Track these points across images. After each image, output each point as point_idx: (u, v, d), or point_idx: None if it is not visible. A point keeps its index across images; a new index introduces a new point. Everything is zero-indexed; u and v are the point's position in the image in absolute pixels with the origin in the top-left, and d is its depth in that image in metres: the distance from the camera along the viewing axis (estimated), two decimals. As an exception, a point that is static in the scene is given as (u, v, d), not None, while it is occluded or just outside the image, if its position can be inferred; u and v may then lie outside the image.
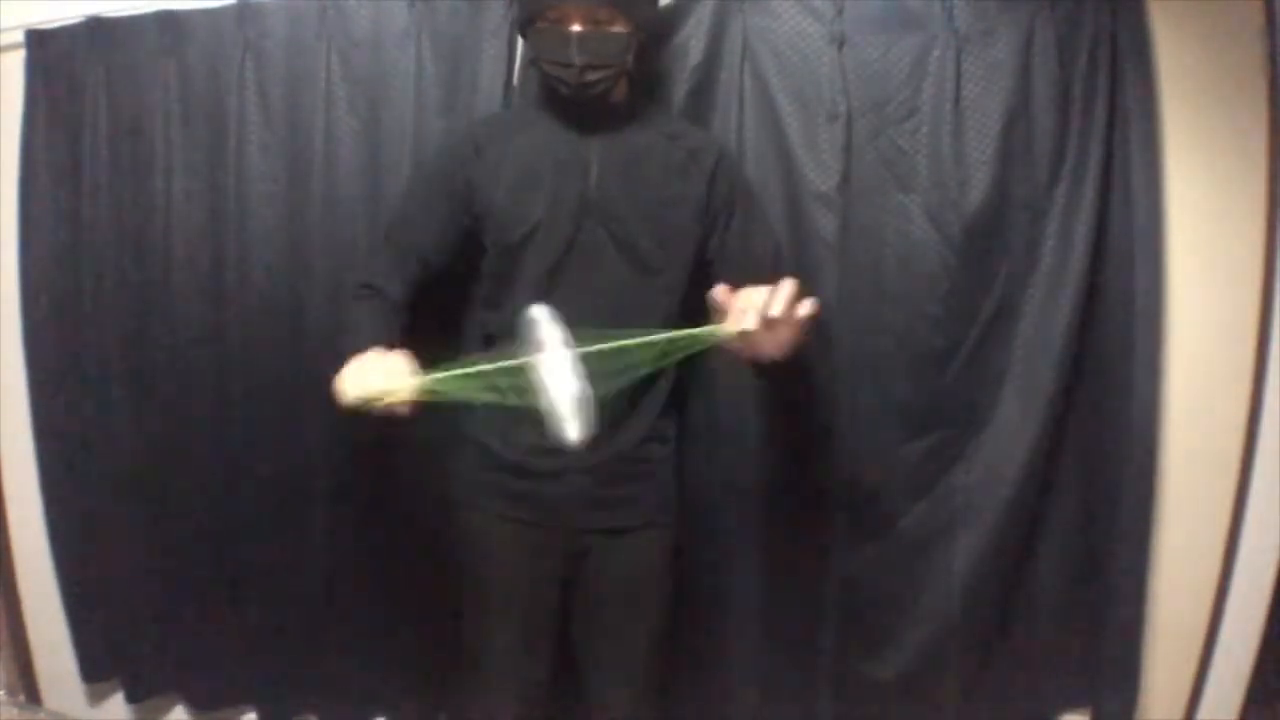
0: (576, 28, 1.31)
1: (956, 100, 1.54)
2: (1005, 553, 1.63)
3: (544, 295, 1.37)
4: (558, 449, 1.35)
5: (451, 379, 1.18)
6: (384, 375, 1.20)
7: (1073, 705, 1.72)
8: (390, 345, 1.26)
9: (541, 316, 1.17)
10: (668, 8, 1.60)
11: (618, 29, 1.33)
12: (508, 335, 1.38)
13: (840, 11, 1.55)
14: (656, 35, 1.51)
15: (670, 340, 1.17)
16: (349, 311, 1.45)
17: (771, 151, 1.60)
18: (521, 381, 1.15)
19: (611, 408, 1.34)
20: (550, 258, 1.36)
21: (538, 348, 1.15)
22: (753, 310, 1.14)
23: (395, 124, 1.67)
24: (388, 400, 1.19)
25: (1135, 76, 1.53)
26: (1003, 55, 1.54)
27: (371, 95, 1.68)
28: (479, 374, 1.17)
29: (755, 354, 1.19)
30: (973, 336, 1.59)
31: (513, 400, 1.15)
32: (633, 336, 1.24)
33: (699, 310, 1.42)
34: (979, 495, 1.61)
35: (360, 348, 1.26)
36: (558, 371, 1.13)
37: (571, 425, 1.13)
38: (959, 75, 1.54)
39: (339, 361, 1.27)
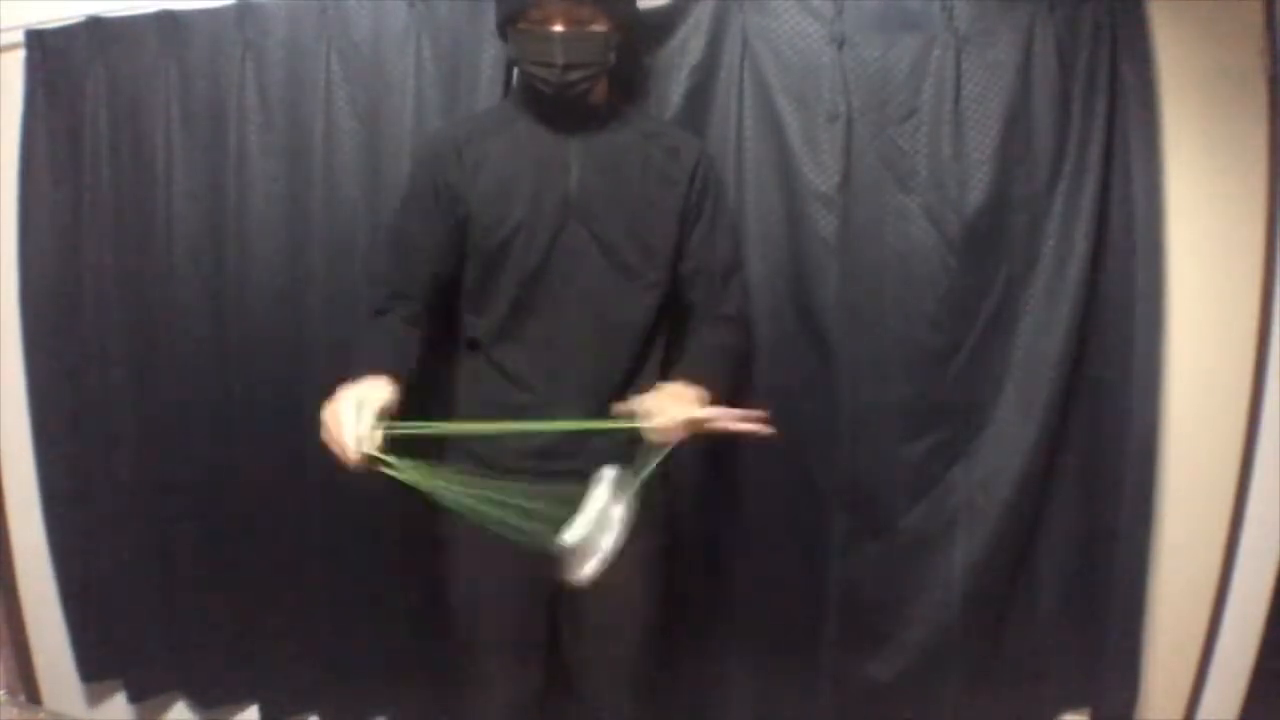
0: (558, 28, 1.31)
1: (956, 100, 1.54)
2: (1005, 553, 1.63)
3: (526, 298, 1.37)
4: (544, 451, 1.36)
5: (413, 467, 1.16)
6: (353, 419, 1.14)
7: (1073, 705, 1.72)
8: (393, 372, 1.24)
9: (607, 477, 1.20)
10: (665, 7, 1.60)
11: (598, 28, 1.33)
12: (491, 339, 1.39)
13: (840, 11, 1.55)
14: (635, 34, 1.50)
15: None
16: (359, 334, 1.42)
17: (771, 151, 1.60)
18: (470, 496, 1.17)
19: (596, 407, 1.35)
20: (533, 260, 1.36)
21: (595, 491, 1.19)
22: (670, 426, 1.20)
23: (395, 124, 1.67)
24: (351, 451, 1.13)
25: (1135, 77, 1.54)
26: (1003, 55, 1.54)
27: (371, 95, 1.68)
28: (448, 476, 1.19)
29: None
30: (973, 336, 1.60)
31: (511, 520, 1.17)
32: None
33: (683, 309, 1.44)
34: (979, 495, 1.61)
35: (358, 375, 1.22)
36: (598, 516, 1.17)
37: (589, 567, 1.18)
38: (959, 75, 1.54)
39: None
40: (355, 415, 1.14)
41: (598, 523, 1.17)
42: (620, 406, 1.25)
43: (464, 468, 1.30)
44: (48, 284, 1.90)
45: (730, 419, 1.23)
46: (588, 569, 1.18)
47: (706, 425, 1.22)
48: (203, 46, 1.75)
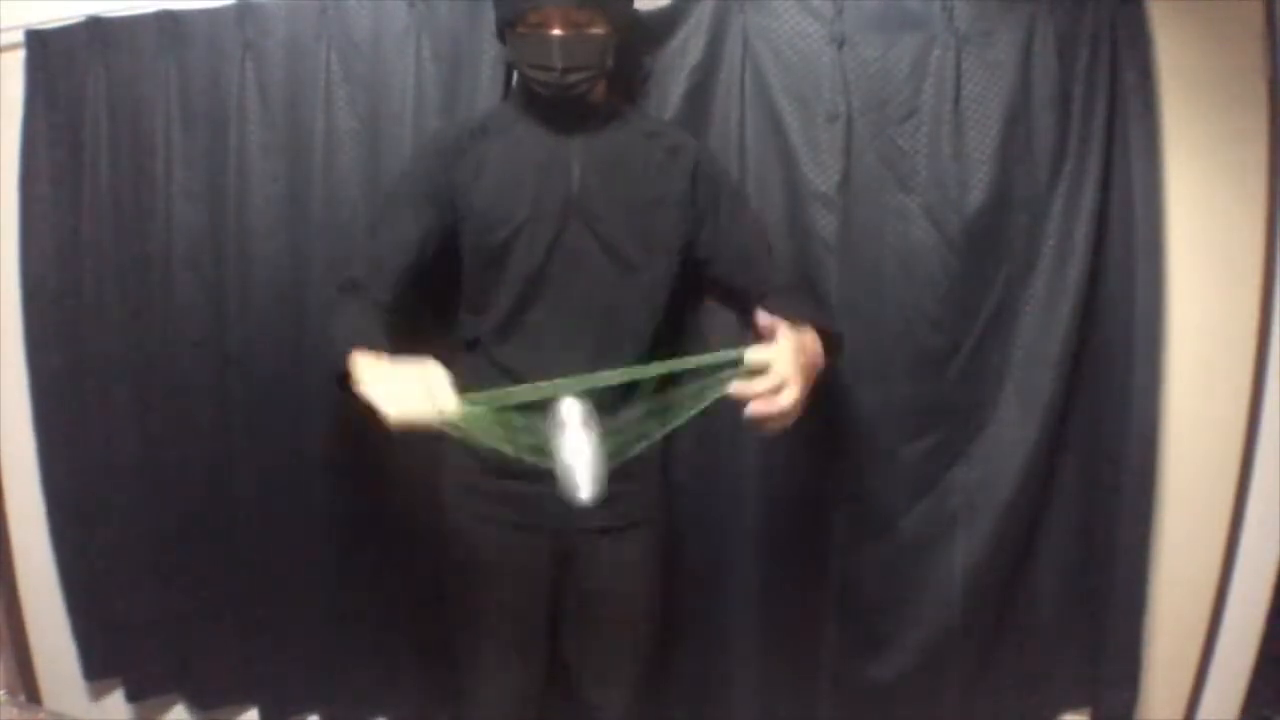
0: (557, 31, 1.31)
1: (956, 100, 1.54)
2: (1005, 553, 1.63)
3: (528, 297, 1.37)
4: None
5: (483, 409, 1.14)
6: (429, 394, 1.10)
7: (1073, 705, 1.72)
8: (389, 352, 1.21)
9: (570, 407, 1.13)
10: (666, 8, 1.60)
11: (597, 30, 1.34)
12: (492, 339, 1.39)
13: (840, 11, 1.55)
14: (635, 35, 1.50)
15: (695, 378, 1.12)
16: (339, 308, 1.37)
17: (771, 151, 1.60)
18: (538, 439, 1.12)
19: (602, 408, 1.35)
20: (535, 260, 1.36)
21: (560, 427, 1.12)
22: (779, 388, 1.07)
23: (395, 124, 1.66)
24: (438, 424, 1.10)
25: (1135, 76, 1.54)
26: (1003, 55, 1.54)
27: (371, 95, 1.68)
28: (512, 407, 1.15)
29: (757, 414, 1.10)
30: (973, 336, 1.60)
31: (526, 455, 1.12)
32: (616, 358, 1.26)
33: (681, 308, 1.44)
34: (979, 495, 1.61)
35: (359, 346, 1.20)
36: (575, 440, 1.11)
37: (585, 489, 1.09)
38: (959, 75, 1.54)
39: (327, 360, 1.24)
40: (423, 378, 1.12)
41: (575, 446, 1.11)
42: (755, 355, 1.10)
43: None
44: (49, 284, 1.90)
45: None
46: (584, 490, 1.10)
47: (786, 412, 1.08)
48: (203, 46, 1.75)
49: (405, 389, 1.10)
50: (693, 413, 1.13)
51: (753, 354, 1.10)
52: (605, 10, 1.34)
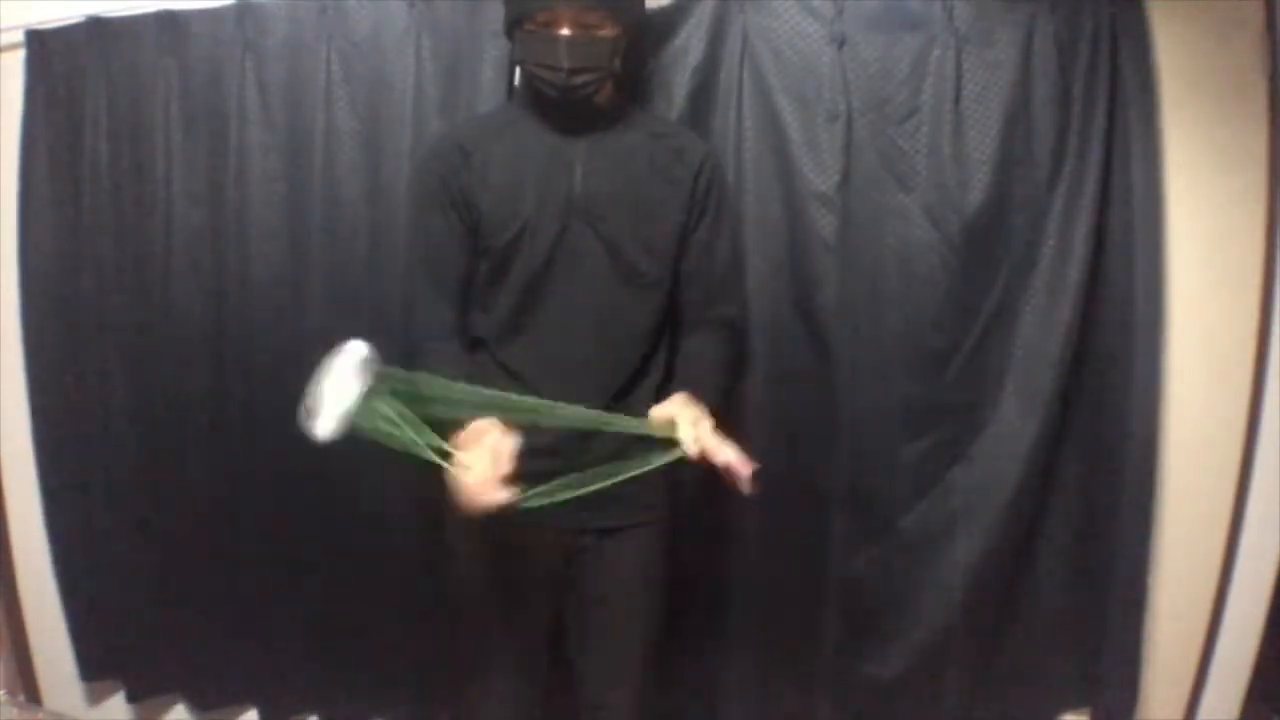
0: (565, 32, 1.31)
1: (956, 100, 1.55)
2: (1005, 552, 1.63)
3: (530, 297, 1.37)
4: (548, 450, 1.36)
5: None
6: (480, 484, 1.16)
7: (1073, 705, 1.72)
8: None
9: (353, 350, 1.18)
10: (667, 8, 1.60)
11: (605, 33, 1.33)
12: (496, 338, 1.39)
13: (840, 11, 1.56)
14: (642, 37, 1.50)
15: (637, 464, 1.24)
16: (438, 363, 1.35)
17: (771, 151, 1.60)
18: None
19: (602, 406, 1.35)
20: (537, 259, 1.36)
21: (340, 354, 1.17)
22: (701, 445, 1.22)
23: (395, 124, 1.67)
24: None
25: (1135, 76, 1.54)
26: (1003, 55, 1.54)
27: (371, 95, 1.68)
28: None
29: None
30: (973, 336, 1.60)
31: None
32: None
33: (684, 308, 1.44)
34: (979, 495, 1.61)
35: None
36: (343, 375, 1.17)
37: (323, 422, 1.16)
38: (959, 75, 1.54)
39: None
40: (492, 465, 1.15)
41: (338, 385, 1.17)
42: (658, 413, 1.26)
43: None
44: (48, 284, 1.90)
45: (735, 462, 1.24)
46: (319, 424, 1.18)
47: (710, 454, 1.23)
48: (203, 46, 1.75)
49: (467, 475, 1.16)
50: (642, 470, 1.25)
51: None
52: (615, 12, 1.33)
